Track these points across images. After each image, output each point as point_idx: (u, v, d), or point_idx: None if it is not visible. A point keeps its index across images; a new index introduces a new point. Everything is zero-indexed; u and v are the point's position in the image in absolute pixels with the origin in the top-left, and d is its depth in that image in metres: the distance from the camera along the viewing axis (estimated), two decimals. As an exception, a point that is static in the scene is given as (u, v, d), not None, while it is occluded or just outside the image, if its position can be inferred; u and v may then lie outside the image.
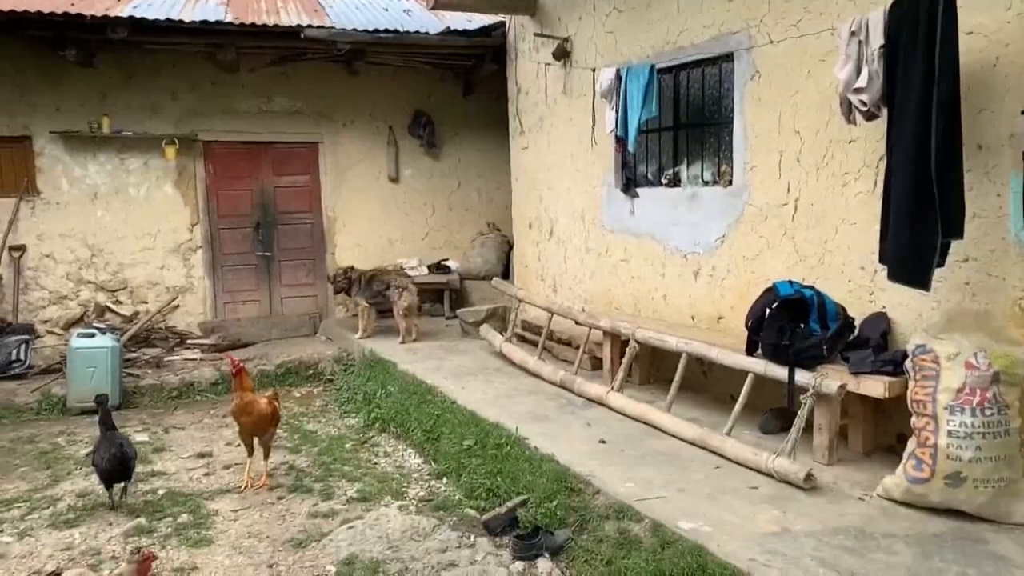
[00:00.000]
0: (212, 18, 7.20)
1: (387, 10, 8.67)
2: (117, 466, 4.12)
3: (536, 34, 7.00)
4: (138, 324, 7.53)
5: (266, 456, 4.57)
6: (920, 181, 3.37)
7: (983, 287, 3.61)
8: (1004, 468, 3.18)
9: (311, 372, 7.24)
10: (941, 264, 3.44)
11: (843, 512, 3.35)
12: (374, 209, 8.85)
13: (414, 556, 3.56)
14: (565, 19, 6.69)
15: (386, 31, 7.68)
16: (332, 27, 7.50)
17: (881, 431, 4.02)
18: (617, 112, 5.68)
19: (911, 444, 3.38)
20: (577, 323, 5.87)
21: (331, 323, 8.49)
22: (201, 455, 5.13)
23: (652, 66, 5.42)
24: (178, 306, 8.02)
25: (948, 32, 3.32)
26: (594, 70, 6.10)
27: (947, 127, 3.32)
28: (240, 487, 4.48)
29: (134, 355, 7.15)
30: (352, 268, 7.53)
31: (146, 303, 7.89)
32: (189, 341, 7.80)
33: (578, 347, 5.84)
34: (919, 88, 3.38)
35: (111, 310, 7.74)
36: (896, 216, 3.52)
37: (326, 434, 5.55)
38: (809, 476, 3.57)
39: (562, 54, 6.65)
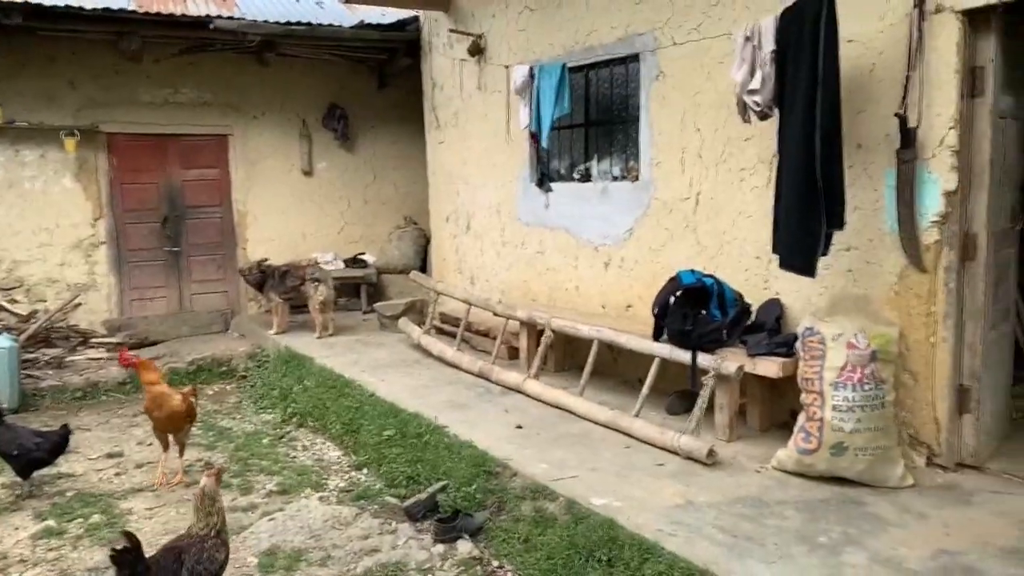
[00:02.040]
0: (115, 5, 6.94)
1: (298, 1, 8.55)
2: (56, 451, 4.26)
3: (450, 30, 7.08)
4: (37, 323, 7.19)
5: (181, 453, 4.50)
6: (807, 176, 3.66)
7: (863, 273, 3.95)
8: (881, 437, 3.51)
9: (224, 369, 7.11)
10: (826, 253, 3.75)
11: (741, 484, 3.62)
12: (287, 202, 8.73)
13: (336, 544, 3.62)
14: (479, 16, 6.80)
15: (298, 23, 7.58)
16: (242, 18, 7.36)
17: (776, 408, 4.33)
18: (531, 109, 5.83)
19: (801, 419, 3.68)
20: (495, 314, 6.00)
21: (244, 319, 8.34)
22: (111, 455, 4.99)
23: (563, 65, 5.60)
24: (80, 304, 7.70)
25: (830, 40, 3.61)
26: (508, 67, 6.24)
27: (830, 127, 3.62)
28: (154, 485, 4.40)
29: (33, 356, 6.84)
30: (265, 261, 7.43)
31: (45, 302, 7.53)
32: (93, 340, 7.50)
33: (495, 337, 5.98)
34: (805, 91, 3.67)
35: (5, 309, 7.35)
36: (786, 209, 3.81)
37: (242, 430, 5.49)
38: (711, 452, 3.82)
39: (476, 50, 6.76)
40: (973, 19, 3.50)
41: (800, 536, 3.10)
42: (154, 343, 7.64)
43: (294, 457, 4.91)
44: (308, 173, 8.80)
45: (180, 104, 8.02)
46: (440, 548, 3.54)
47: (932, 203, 3.62)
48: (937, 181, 3.60)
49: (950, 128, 3.54)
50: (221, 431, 5.46)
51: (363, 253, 8.89)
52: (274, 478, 4.49)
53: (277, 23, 7.47)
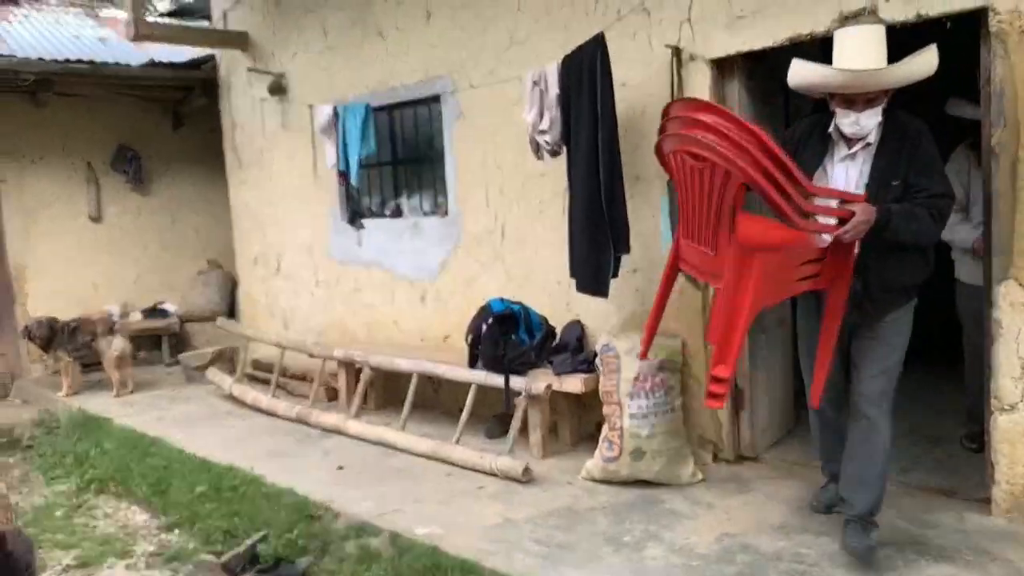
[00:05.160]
0: None
1: (78, 38, 7.98)
2: None
3: (249, 69, 6.95)
4: None
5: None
6: (594, 207, 4.02)
7: (649, 292, 4.34)
8: (672, 439, 3.89)
9: (5, 440, 6.36)
10: (615, 275, 4.12)
11: (555, 497, 3.84)
12: (74, 252, 8.03)
13: (145, 613, 3.39)
14: (279, 55, 6.74)
15: (79, 61, 7.09)
16: (12, 56, 6.75)
17: (584, 423, 4.64)
18: (338, 148, 5.86)
19: (604, 429, 3.99)
20: (311, 356, 5.91)
21: (27, 383, 7.52)
22: None
23: (367, 105, 5.69)
24: None
25: (605, 83, 4.00)
26: (311, 106, 6.23)
27: (610, 162, 4.01)
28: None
29: None
30: (54, 318, 6.77)
31: None
32: None
33: (313, 380, 5.88)
34: (587, 130, 4.04)
35: None
36: (578, 237, 4.16)
37: (30, 504, 4.94)
38: (526, 470, 4.03)
39: (278, 89, 6.69)
40: (720, 66, 4.04)
41: (608, 538, 3.35)
42: (-87, 418, 6.69)
43: (95, 526, 4.50)
44: (97, 220, 8.16)
45: (-64, 148, 7.18)
46: (262, 600, 3.43)
47: (700, 227, 4.10)
48: (703, 208, 4.09)
49: (709, 161, 4.04)
50: (3, 509, 4.89)
51: (163, 301, 8.35)
52: (71, 552, 4.10)
53: (55, 61, 6.94)
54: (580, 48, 4.11)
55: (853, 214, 2.66)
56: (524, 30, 4.80)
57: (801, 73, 2.93)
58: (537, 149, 4.45)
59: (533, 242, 4.96)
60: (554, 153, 4.37)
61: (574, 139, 4.16)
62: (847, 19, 3.54)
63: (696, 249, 2.91)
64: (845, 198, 2.75)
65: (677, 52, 4.06)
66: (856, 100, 2.82)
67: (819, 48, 4.49)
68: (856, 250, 2.84)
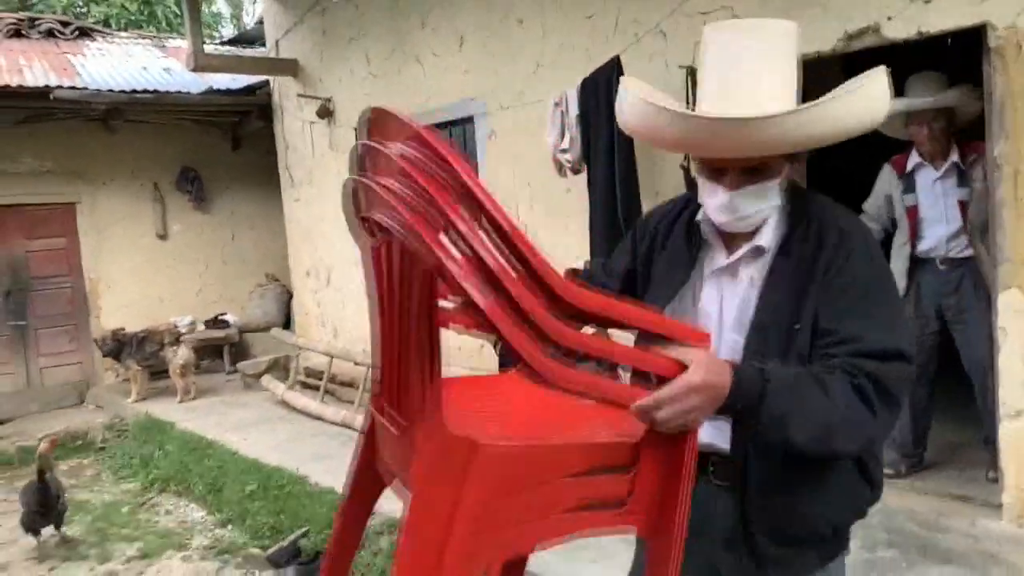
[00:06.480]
0: (-58, 77, 6.78)
1: (146, 69, 8.59)
2: None
3: (299, 94, 7.38)
4: None
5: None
6: (612, 220, 4.22)
7: (669, 303, 4.53)
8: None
9: (80, 443, 6.91)
10: (634, 287, 4.28)
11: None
12: (142, 268, 8.62)
13: (198, 599, 3.73)
14: (326, 81, 7.14)
15: (144, 91, 7.64)
16: (84, 88, 7.33)
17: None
18: (379, 167, 6.20)
19: (624, 435, 4.15)
20: (356, 363, 6.24)
21: (100, 390, 8.10)
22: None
23: (406, 126, 6.01)
24: (-88, 388, 7.26)
25: (622, 105, 4.21)
26: (356, 129, 6.57)
27: (627, 178, 4.20)
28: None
29: None
30: (122, 330, 7.32)
31: None
32: (-71, 425, 7.08)
33: (359, 387, 6.21)
34: (605, 148, 4.25)
35: None
36: (598, 249, 4.36)
37: (100, 501, 5.40)
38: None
39: (325, 113, 7.08)
40: (734, 86, 4.20)
41: (623, 537, 3.52)
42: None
43: (156, 522, 4.92)
44: (163, 237, 8.73)
45: (19, 174, 7.82)
46: (302, 589, 3.73)
47: (716, 239, 4.25)
48: (719, 221, 4.24)
49: (724, 176, 4.20)
50: (78, 504, 5.33)
51: (224, 313, 8.86)
52: (135, 544, 4.50)
53: (122, 92, 7.49)
54: (598, 70, 4.32)
55: (682, 369, 1.21)
56: (549, 55, 5.03)
57: (629, 109, 1.53)
58: (560, 168, 4.67)
59: (560, 256, 5.13)
60: (575, 171, 4.58)
61: (593, 157, 4.37)
62: (852, 38, 3.68)
63: (384, 422, 1.31)
64: (669, 334, 1.28)
65: (692, 73, 4.22)
66: (726, 168, 1.44)
67: (840, 66, 4.63)
68: (715, 448, 1.49)
